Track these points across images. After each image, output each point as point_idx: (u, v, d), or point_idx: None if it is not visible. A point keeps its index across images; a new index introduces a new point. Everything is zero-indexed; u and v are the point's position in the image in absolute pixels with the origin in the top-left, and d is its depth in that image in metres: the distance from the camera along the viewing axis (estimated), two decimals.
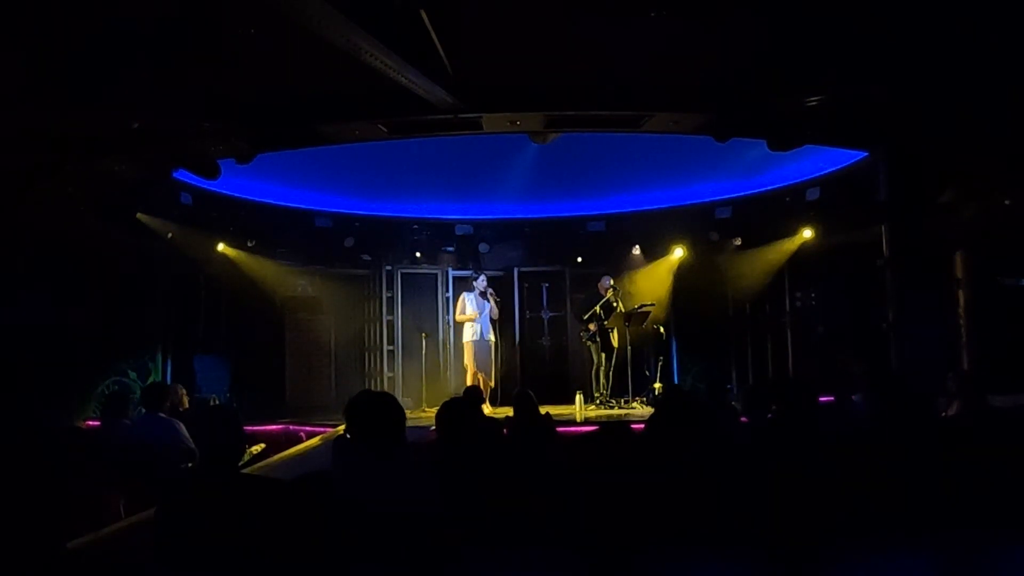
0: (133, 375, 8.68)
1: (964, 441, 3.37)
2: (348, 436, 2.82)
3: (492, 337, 9.47)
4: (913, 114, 6.49)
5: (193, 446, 5.16)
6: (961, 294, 7.52)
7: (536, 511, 2.52)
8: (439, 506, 2.59)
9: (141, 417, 5.69)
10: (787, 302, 10.32)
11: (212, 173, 7.24)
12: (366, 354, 11.22)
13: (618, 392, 9.52)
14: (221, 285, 9.75)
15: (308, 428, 7.95)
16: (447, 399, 3.78)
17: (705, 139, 6.98)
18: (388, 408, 2.77)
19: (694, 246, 10.47)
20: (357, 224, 10.91)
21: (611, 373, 9.40)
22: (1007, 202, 7.10)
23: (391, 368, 10.91)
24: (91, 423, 7.18)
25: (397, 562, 2.21)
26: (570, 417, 8.03)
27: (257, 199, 9.99)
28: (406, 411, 2.88)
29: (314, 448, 5.76)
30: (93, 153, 6.64)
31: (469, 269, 11.04)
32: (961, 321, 7.46)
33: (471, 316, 9.30)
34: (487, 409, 8.26)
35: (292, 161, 8.51)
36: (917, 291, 6.98)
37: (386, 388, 10.48)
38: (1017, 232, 7.10)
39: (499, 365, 9.95)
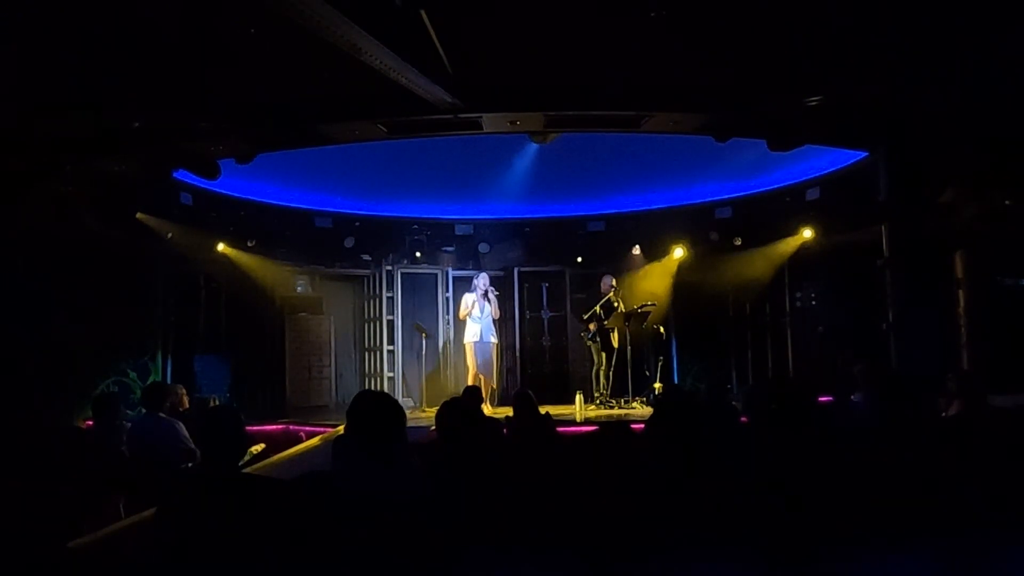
0: (133, 375, 8.67)
1: (964, 441, 3.37)
2: (347, 435, 2.82)
3: (493, 339, 9.46)
4: (913, 114, 6.49)
5: (193, 446, 5.17)
6: (961, 294, 7.51)
7: (536, 511, 2.51)
8: (439, 506, 2.59)
9: (141, 417, 5.69)
10: (787, 302, 10.32)
11: (212, 173, 7.24)
12: (366, 354, 11.22)
13: (618, 392, 9.50)
14: (221, 285, 9.75)
15: (308, 428, 7.94)
16: (447, 399, 3.78)
17: (705, 139, 6.98)
18: (388, 408, 2.77)
19: (694, 246, 10.46)
20: (357, 224, 10.91)
21: (611, 373, 9.40)
22: (1007, 202, 7.10)
23: (391, 368, 10.90)
24: (91, 423, 7.18)
25: (397, 562, 2.21)
26: (570, 417, 8.02)
27: (257, 199, 9.99)
28: (406, 411, 2.87)
29: (314, 448, 5.75)
30: (93, 153, 6.64)
31: (469, 269, 11.04)
32: (961, 321, 7.46)
33: (469, 312, 9.33)
34: (487, 409, 8.25)
35: (292, 161, 8.52)
36: (917, 291, 6.98)
37: (386, 388, 10.48)
38: (1017, 232, 7.10)
39: (499, 366, 9.94)
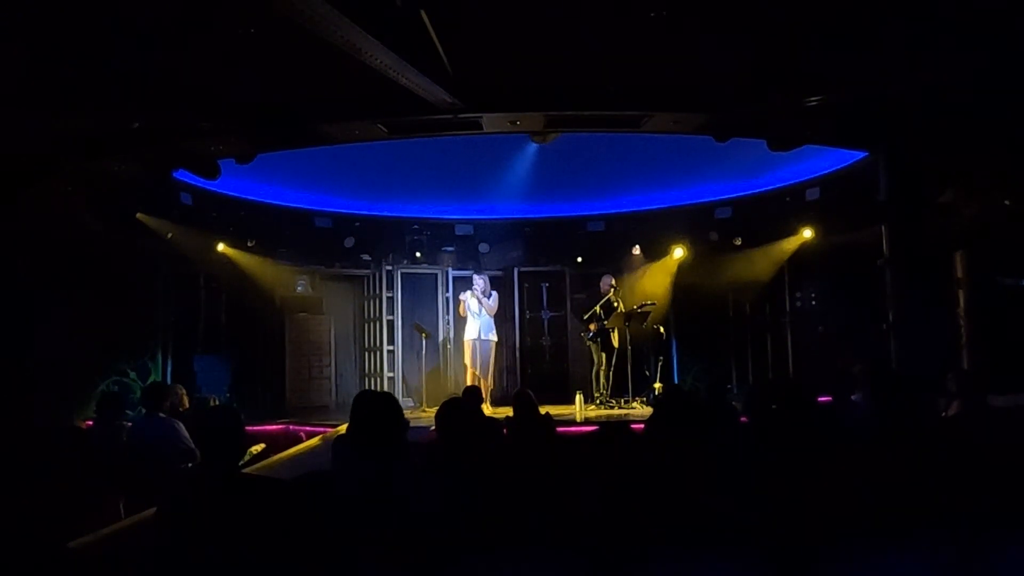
0: (133, 375, 8.68)
1: (964, 441, 3.37)
2: (349, 435, 2.82)
3: (493, 337, 9.46)
4: (913, 114, 6.49)
5: (193, 446, 5.17)
6: (961, 294, 7.52)
7: (536, 511, 2.51)
8: (439, 506, 2.59)
9: (141, 417, 5.69)
10: (787, 302, 10.32)
11: (212, 173, 7.25)
12: (366, 354, 11.22)
13: (618, 392, 9.50)
14: (221, 285, 9.76)
15: (308, 428, 7.94)
16: (447, 399, 3.78)
17: (705, 139, 6.98)
18: (389, 408, 2.78)
19: (694, 246, 10.46)
20: (357, 224, 10.92)
21: (611, 373, 9.39)
22: (1007, 202, 7.10)
23: (391, 368, 10.90)
24: (91, 423, 7.18)
25: (397, 562, 2.21)
26: (570, 417, 8.02)
27: (257, 199, 10.00)
28: (406, 411, 2.88)
29: (314, 448, 5.76)
30: (93, 153, 6.63)
31: (469, 269, 11.04)
32: (961, 321, 7.46)
33: (467, 306, 9.37)
34: (487, 409, 8.25)
35: (292, 161, 8.52)
36: (917, 291, 6.98)
37: (386, 388, 10.48)
38: (1017, 232, 7.10)
39: (499, 365, 9.94)
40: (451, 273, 11.37)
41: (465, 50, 5.33)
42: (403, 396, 10.66)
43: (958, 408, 4.65)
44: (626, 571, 2.12)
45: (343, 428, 6.00)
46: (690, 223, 10.61)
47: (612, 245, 11.08)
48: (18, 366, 6.95)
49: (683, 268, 10.52)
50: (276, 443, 6.66)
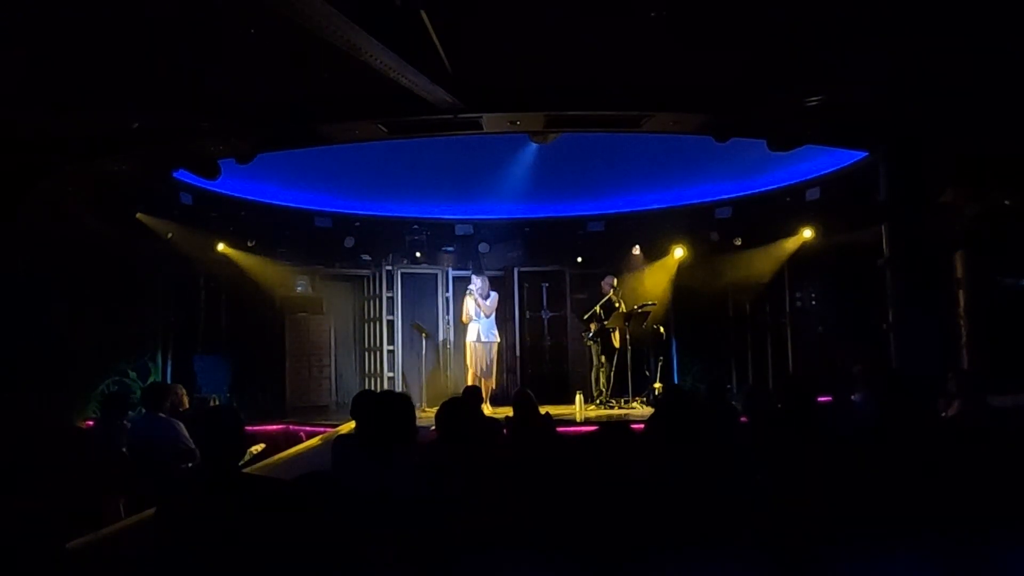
0: (133, 375, 8.68)
1: (964, 441, 3.37)
2: (355, 433, 2.82)
3: (495, 339, 9.46)
4: (913, 114, 6.49)
5: (193, 446, 5.17)
6: (961, 294, 7.52)
7: (535, 511, 2.51)
8: (439, 506, 2.59)
9: (141, 417, 5.69)
10: (787, 302, 10.32)
11: (212, 173, 7.25)
12: (366, 354, 11.22)
13: (618, 392, 9.51)
14: (221, 285, 9.76)
15: (308, 428, 7.95)
16: (447, 399, 3.78)
17: (705, 139, 6.98)
18: (404, 411, 2.78)
19: (694, 246, 10.46)
20: (357, 224, 10.91)
21: (611, 373, 9.39)
22: (1007, 202, 7.11)
23: (391, 368, 10.89)
24: (91, 423, 7.18)
25: (396, 561, 2.21)
26: (570, 417, 8.02)
27: (257, 199, 9.99)
28: None
29: (314, 448, 5.76)
30: (93, 153, 6.64)
31: (469, 269, 11.05)
32: (961, 321, 7.46)
33: (468, 319, 9.38)
34: (487, 409, 8.25)
35: (292, 161, 8.51)
36: (917, 291, 6.98)
37: (386, 388, 10.47)
38: (1017, 232, 7.11)
39: (499, 366, 9.95)
40: (451, 273, 11.36)
41: (465, 50, 5.33)
42: None
43: (958, 408, 4.66)
44: (626, 571, 2.12)
45: (343, 428, 6.01)
46: (690, 223, 10.61)
47: (612, 245, 11.08)
48: (18, 366, 6.95)
49: (683, 268, 10.52)
50: (276, 443, 6.67)
